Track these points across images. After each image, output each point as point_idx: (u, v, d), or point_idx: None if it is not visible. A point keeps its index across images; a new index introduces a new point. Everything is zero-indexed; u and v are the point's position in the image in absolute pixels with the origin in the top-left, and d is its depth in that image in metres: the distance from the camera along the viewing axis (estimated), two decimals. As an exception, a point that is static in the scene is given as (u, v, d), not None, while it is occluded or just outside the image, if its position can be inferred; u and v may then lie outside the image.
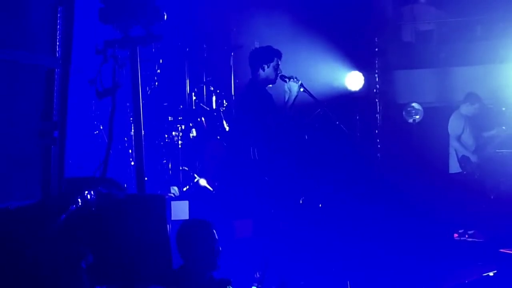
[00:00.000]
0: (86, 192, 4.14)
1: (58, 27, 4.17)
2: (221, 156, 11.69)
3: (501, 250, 8.94)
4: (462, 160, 12.34)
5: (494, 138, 12.52)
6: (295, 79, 9.57)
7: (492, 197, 11.99)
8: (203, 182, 11.23)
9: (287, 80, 9.59)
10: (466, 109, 12.57)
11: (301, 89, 9.98)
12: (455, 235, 11.30)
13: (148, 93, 11.52)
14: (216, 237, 5.65)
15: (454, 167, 12.57)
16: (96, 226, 4.18)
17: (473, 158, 12.22)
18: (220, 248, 5.64)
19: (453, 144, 12.52)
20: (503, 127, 12.46)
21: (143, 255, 4.37)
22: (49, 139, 4.11)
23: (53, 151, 4.11)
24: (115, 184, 4.46)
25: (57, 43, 4.18)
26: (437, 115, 14.13)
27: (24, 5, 3.97)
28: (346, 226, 10.09)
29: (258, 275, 9.26)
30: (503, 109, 12.74)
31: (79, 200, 4.06)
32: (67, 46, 4.23)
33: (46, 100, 4.12)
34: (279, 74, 9.69)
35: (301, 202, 10.16)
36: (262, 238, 9.77)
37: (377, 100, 15.00)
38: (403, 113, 14.01)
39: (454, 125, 12.62)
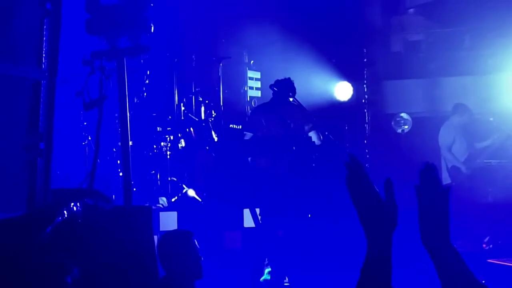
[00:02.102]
0: (72, 204, 4.13)
1: (44, 38, 4.16)
2: (209, 167, 11.69)
3: (489, 260, 8.94)
4: (452, 171, 12.32)
5: (486, 148, 12.49)
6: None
7: (481, 207, 11.99)
8: (191, 192, 11.21)
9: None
10: (456, 120, 12.52)
11: (291, 99, 10.05)
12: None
13: (135, 102, 11.49)
14: (197, 247, 5.64)
15: (446, 178, 12.56)
16: (82, 238, 4.17)
17: (463, 169, 12.20)
18: (202, 258, 5.62)
19: (445, 155, 12.47)
20: (497, 136, 12.43)
21: (130, 266, 4.36)
22: (35, 151, 4.10)
23: (39, 163, 4.10)
24: (101, 196, 4.45)
25: (43, 55, 4.17)
26: (426, 125, 14.13)
27: (10, 17, 3.97)
28: (334, 236, 10.07)
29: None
30: (491, 119, 12.73)
31: (65, 212, 4.05)
32: (54, 57, 4.22)
33: (32, 112, 4.11)
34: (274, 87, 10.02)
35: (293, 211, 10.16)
36: (253, 247, 9.80)
37: (365, 110, 15.02)
38: (392, 123, 14.02)
39: (445, 136, 12.57)
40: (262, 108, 10.40)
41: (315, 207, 10.09)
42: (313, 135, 10.10)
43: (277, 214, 9.72)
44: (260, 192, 9.89)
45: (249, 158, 10.09)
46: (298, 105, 10.10)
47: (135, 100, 11.55)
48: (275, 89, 10.03)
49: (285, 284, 9.61)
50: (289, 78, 10.24)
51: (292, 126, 9.95)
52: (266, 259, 9.75)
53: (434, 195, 2.79)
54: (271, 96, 10.19)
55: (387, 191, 2.71)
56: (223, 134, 12.00)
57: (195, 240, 5.63)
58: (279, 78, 10.17)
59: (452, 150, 12.40)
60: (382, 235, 2.64)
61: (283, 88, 10.07)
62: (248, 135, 10.16)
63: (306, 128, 10.10)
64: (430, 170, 2.82)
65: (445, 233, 2.75)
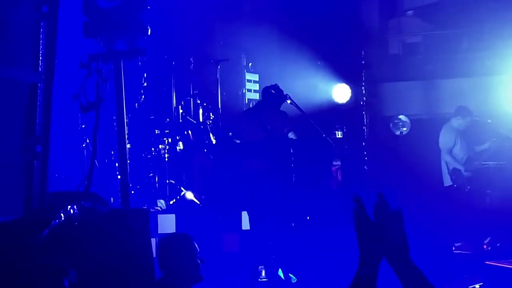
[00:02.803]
0: (69, 206, 4.13)
1: (41, 41, 4.16)
2: (208, 169, 11.68)
3: (487, 262, 8.94)
4: (453, 173, 12.29)
5: (486, 151, 12.48)
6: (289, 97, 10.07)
7: (479, 209, 11.98)
8: (190, 195, 11.21)
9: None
10: (457, 122, 12.47)
11: (288, 102, 10.07)
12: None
13: (133, 104, 11.50)
14: (197, 250, 5.63)
15: (447, 180, 12.55)
16: (79, 241, 4.16)
17: (464, 171, 12.19)
18: (200, 262, 5.61)
19: (445, 157, 12.46)
20: (494, 139, 12.43)
21: (126, 269, 4.35)
22: (31, 153, 4.09)
23: (35, 166, 4.09)
24: (98, 199, 4.44)
25: (40, 58, 4.17)
26: (424, 127, 14.14)
27: (6, 20, 3.96)
28: (332, 239, 10.08)
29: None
30: (489, 121, 12.71)
31: (62, 214, 4.04)
32: (50, 60, 4.22)
33: (29, 114, 4.11)
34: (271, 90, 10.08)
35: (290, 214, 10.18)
36: (251, 249, 9.81)
37: (364, 113, 15.02)
38: (390, 125, 14.00)
39: (446, 139, 12.54)
40: (244, 114, 10.53)
41: (297, 208, 10.13)
42: (291, 135, 10.20)
43: (263, 216, 9.77)
44: (245, 194, 9.97)
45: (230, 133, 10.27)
46: (279, 110, 10.23)
47: (136, 105, 11.56)
48: (272, 91, 10.10)
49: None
50: (275, 84, 10.35)
51: (269, 128, 10.01)
52: (261, 266, 9.76)
53: (387, 220, 3.08)
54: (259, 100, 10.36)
55: (397, 224, 3.09)
56: (219, 139, 12.03)
57: (195, 244, 5.62)
58: (272, 83, 10.31)
59: (452, 152, 12.40)
60: (374, 261, 3.03)
61: (268, 94, 10.21)
62: (237, 141, 10.26)
63: (286, 130, 10.20)
64: (382, 201, 3.10)
65: (405, 251, 3.06)
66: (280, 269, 9.65)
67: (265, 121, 10.05)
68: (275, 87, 10.35)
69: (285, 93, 10.26)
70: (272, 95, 10.16)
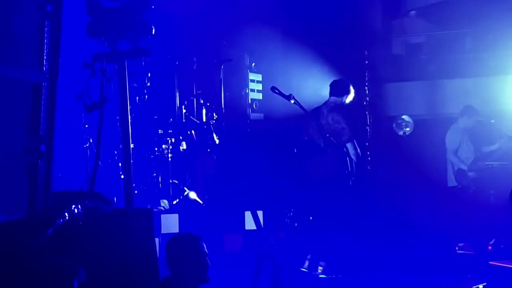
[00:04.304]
0: (73, 206, 4.14)
1: (45, 41, 4.17)
2: (211, 169, 11.69)
3: (491, 262, 8.94)
4: (458, 174, 12.28)
5: (494, 152, 12.46)
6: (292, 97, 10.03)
7: (482, 209, 11.96)
8: (193, 195, 11.21)
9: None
10: (463, 122, 12.47)
11: (292, 101, 10.06)
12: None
13: (136, 104, 11.49)
14: (206, 251, 5.64)
15: (452, 180, 12.54)
16: (83, 240, 4.17)
17: (469, 172, 12.17)
18: (209, 263, 5.62)
19: (450, 158, 12.45)
20: (504, 140, 12.40)
21: (130, 268, 4.36)
22: (36, 153, 4.10)
23: (40, 166, 4.10)
24: (102, 198, 4.45)
25: (44, 58, 4.18)
26: (427, 128, 14.14)
27: (10, 20, 3.97)
28: (336, 238, 10.08)
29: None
30: (492, 121, 12.69)
31: (66, 214, 4.05)
32: (55, 60, 4.23)
33: (33, 114, 4.12)
34: (275, 90, 10.03)
35: (291, 214, 10.17)
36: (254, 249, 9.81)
37: (367, 113, 15.00)
38: (393, 125, 14.00)
39: (451, 139, 12.54)
40: (313, 112, 10.57)
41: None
42: (349, 147, 10.28)
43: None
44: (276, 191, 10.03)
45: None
46: (341, 114, 10.26)
47: (137, 101, 11.55)
48: (276, 91, 10.09)
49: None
50: (341, 79, 10.38)
51: (327, 135, 10.06)
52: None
53: None
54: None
55: None
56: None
57: (204, 244, 5.62)
58: (275, 83, 10.30)
59: (458, 153, 12.39)
60: None
61: (332, 91, 10.27)
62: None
63: (343, 138, 10.26)
64: None
65: None
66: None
67: (322, 124, 10.12)
68: (341, 82, 10.40)
69: (288, 93, 10.24)
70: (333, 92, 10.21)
